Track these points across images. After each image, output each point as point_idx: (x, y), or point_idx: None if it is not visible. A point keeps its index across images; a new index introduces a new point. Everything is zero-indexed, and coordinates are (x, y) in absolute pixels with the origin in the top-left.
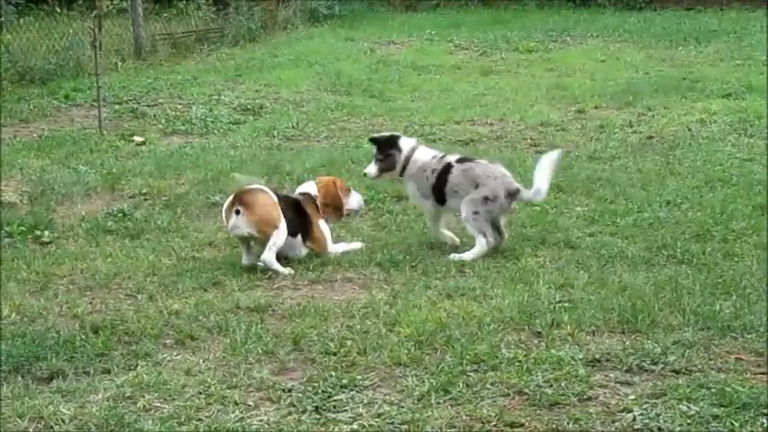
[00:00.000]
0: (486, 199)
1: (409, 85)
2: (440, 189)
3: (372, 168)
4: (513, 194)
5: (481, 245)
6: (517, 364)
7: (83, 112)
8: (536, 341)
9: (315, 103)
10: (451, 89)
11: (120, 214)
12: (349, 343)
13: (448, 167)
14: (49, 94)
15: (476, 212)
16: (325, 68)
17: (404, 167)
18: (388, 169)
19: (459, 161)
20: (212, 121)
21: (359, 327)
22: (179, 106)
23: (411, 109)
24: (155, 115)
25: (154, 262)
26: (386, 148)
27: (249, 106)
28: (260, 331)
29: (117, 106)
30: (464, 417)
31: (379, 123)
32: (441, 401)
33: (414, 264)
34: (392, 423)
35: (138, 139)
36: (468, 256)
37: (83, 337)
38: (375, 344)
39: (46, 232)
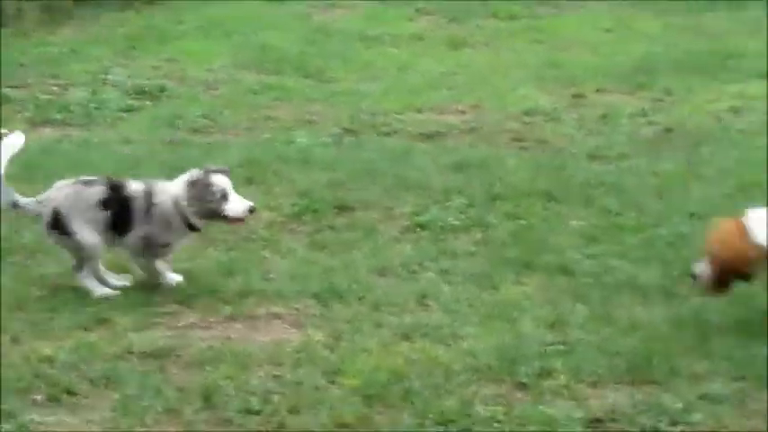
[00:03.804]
0: None
1: (356, 62)
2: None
3: None
4: None
5: None
6: (495, 424)
7: None
8: (520, 395)
9: (232, 84)
10: (411, 67)
11: None
12: (276, 399)
13: None
14: None
15: None
16: (245, 39)
17: None
18: None
19: None
20: (97, 108)
21: (289, 377)
22: (53, 88)
23: (358, 92)
24: (21, 100)
25: (18, 292)
26: None
27: (146, 88)
28: (160, 383)
29: None
30: None
31: (317, 111)
32: None
33: (361, 295)
34: None
35: None
36: None
37: None
38: (311, 399)
39: None
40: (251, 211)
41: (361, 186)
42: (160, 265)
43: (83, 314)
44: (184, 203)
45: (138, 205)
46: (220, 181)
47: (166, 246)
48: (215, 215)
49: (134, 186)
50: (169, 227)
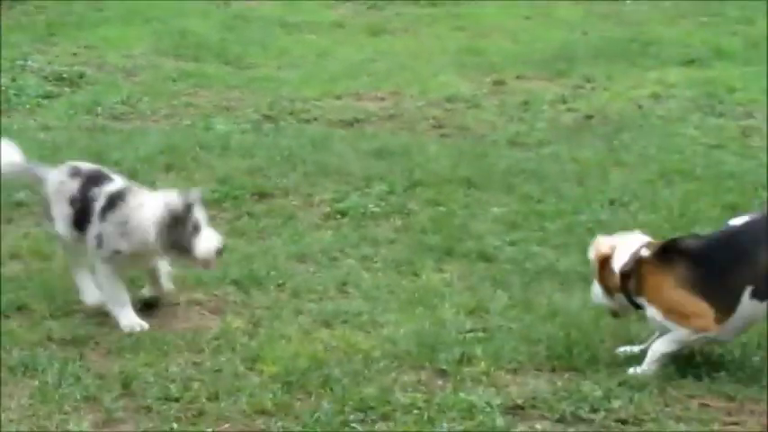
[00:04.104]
0: None
1: (275, 49)
2: None
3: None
4: None
5: None
6: (415, 412)
7: None
8: (440, 382)
9: (152, 70)
10: (331, 53)
11: None
12: (196, 385)
13: None
14: None
15: None
16: (165, 26)
17: None
18: None
19: None
20: (16, 95)
21: (209, 364)
22: None
23: (278, 79)
24: None
25: None
26: None
27: (65, 75)
28: (79, 371)
29: None
30: None
31: (236, 98)
32: None
33: (281, 282)
34: None
35: None
36: None
37: None
38: (230, 386)
39: None
40: (218, 252)
41: (281, 173)
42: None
43: (1, 301)
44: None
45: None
46: (197, 211)
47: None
48: (181, 249)
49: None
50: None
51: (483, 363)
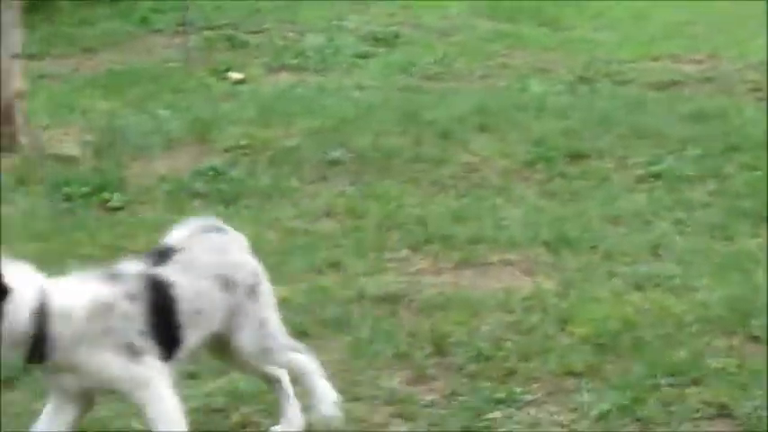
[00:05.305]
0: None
1: (591, 9)
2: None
3: None
4: None
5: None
6: (727, 377)
7: (164, 39)
8: (753, 348)
9: (467, 31)
10: (647, 15)
11: (212, 173)
12: (507, 345)
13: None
14: (120, 16)
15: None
16: None
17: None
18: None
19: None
20: (332, 54)
21: (520, 325)
22: (289, 34)
23: (593, 41)
24: (257, 45)
25: (254, 235)
26: None
27: (380, 35)
28: (391, 328)
29: (208, 32)
30: None
31: (552, 59)
32: (625, 424)
33: (593, 244)
34: None
35: (235, 75)
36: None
37: None
38: (540, 347)
39: (116, 195)
40: None
41: (595, 135)
42: None
43: (316, 258)
44: None
45: None
46: None
47: None
48: None
49: None
50: None
51: None
